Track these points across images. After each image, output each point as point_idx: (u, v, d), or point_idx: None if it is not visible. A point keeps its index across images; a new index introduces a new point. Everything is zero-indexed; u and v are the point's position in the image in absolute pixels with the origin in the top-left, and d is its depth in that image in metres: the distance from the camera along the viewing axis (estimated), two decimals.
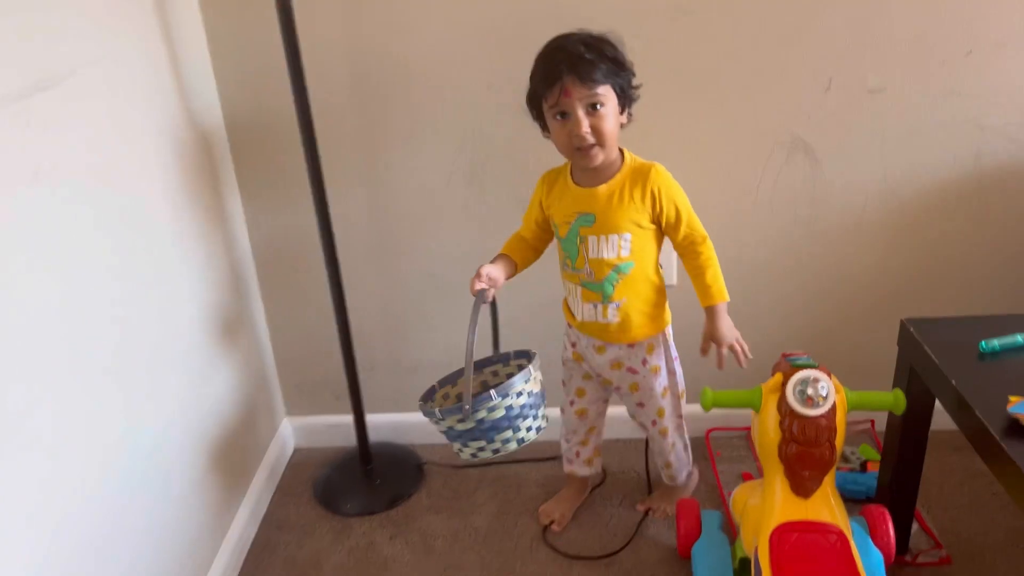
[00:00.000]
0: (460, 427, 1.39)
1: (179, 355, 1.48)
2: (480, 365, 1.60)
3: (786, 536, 1.25)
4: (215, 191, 1.65)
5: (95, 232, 1.22)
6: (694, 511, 1.57)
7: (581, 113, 1.31)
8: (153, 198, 1.41)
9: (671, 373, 1.59)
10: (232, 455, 1.68)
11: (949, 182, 1.67)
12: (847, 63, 1.59)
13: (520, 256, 1.54)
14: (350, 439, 1.95)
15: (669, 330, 1.57)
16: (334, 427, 1.99)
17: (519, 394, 1.39)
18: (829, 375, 1.27)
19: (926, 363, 1.32)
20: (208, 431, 1.58)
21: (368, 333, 1.85)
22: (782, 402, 1.26)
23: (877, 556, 1.39)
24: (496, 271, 1.46)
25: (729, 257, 1.75)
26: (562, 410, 1.69)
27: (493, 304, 1.54)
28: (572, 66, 1.29)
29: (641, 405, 1.61)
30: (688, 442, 1.68)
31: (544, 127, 1.41)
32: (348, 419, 1.94)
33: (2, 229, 1.02)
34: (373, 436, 1.89)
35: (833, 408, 1.24)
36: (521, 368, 1.55)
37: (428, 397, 1.56)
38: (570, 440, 1.70)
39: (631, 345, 1.53)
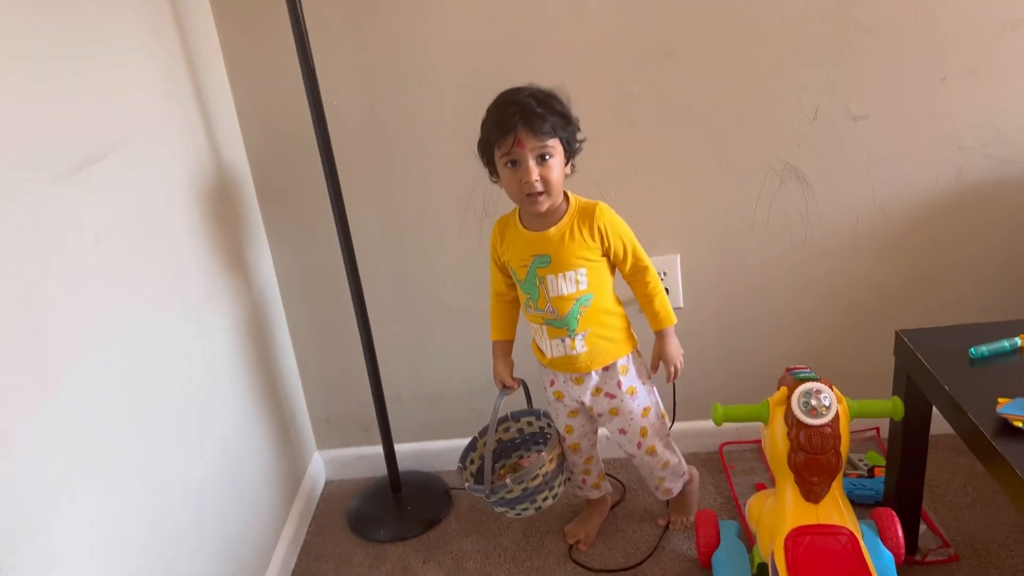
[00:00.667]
0: (511, 496, 1.62)
1: (218, 400, 1.56)
2: (517, 416, 1.84)
3: (800, 540, 1.33)
4: (243, 238, 1.75)
5: (148, 289, 1.33)
6: (712, 522, 1.66)
7: (532, 163, 1.41)
8: (188, 252, 1.51)
9: (649, 392, 1.66)
10: (270, 490, 1.77)
11: (934, 199, 1.77)
12: (831, 93, 1.69)
13: (510, 322, 1.66)
14: (378, 469, 2.04)
15: (637, 353, 1.65)
16: (363, 458, 2.08)
17: (535, 477, 1.61)
18: (831, 386, 1.36)
19: (921, 371, 1.41)
20: (248, 468, 1.66)
21: (392, 366, 1.95)
22: (788, 414, 1.35)
23: (888, 556, 1.47)
24: (507, 367, 1.68)
25: (734, 279, 1.87)
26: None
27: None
28: (525, 118, 1.39)
29: (623, 432, 1.66)
30: (680, 454, 1.74)
31: (493, 172, 1.50)
32: (376, 450, 2.03)
33: (71, 292, 1.12)
34: (401, 465, 1.98)
35: (836, 417, 1.34)
36: (532, 424, 1.84)
37: (471, 447, 1.78)
38: (574, 471, 1.76)
39: (605, 369, 1.60)
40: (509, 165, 1.43)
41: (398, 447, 1.98)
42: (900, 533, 1.53)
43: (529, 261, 1.52)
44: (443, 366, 2.00)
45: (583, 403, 1.64)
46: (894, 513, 1.56)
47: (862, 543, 1.32)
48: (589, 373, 1.59)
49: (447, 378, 2.01)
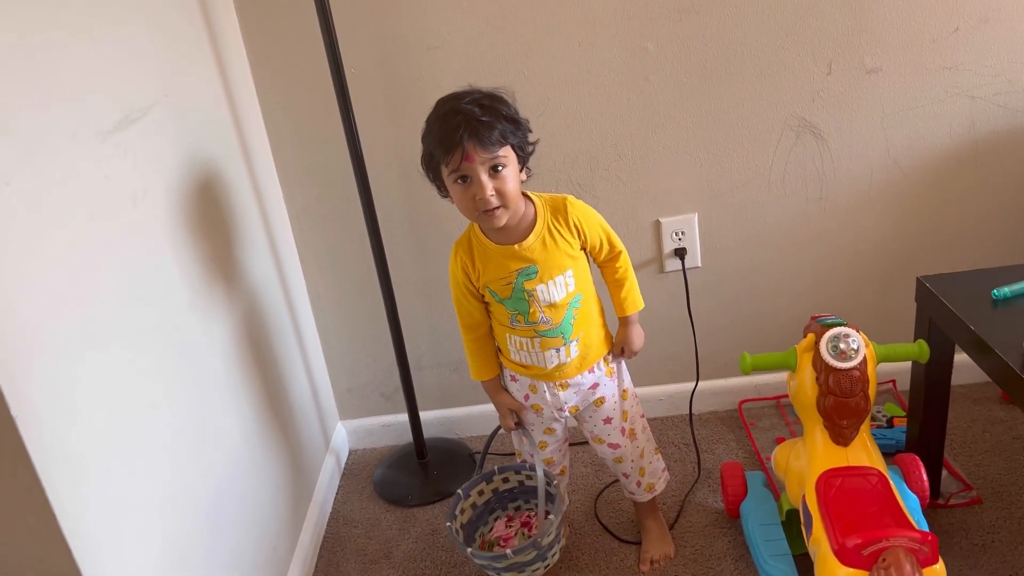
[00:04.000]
0: (497, 565, 1.48)
1: (245, 372, 1.57)
2: (518, 468, 1.67)
3: (831, 482, 1.36)
4: (266, 209, 1.76)
5: (179, 254, 1.34)
6: (739, 472, 1.68)
7: (484, 177, 1.28)
8: (214, 218, 1.52)
9: (624, 372, 1.58)
10: (297, 461, 1.78)
11: (948, 150, 1.79)
12: (845, 48, 1.71)
13: (492, 354, 1.54)
14: (402, 437, 2.07)
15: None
16: (386, 427, 2.10)
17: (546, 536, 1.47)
18: (858, 330, 1.38)
19: (945, 314, 1.44)
20: (276, 439, 1.67)
21: (413, 334, 1.96)
22: (817, 359, 1.38)
23: (914, 499, 1.49)
24: (513, 399, 1.55)
25: (752, 236, 1.89)
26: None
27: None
28: (472, 131, 1.25)
29: (608, 421, 1.56)
30: (656, 445, 1.67)
31: (440, 189, 1.37)
32: (397, 418, 2.06)
33: (116, 249, 1.13)
34: (424, 432, 2.00)
35: (864, 360, 1.36)
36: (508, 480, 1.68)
37: (456, 502, 1.61)
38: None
39: (588, 371, 1.52)
40: (459, 181, 1.30)
41: (421, 414, 1.99)
42: (925, 476, 1.56)
43: (513, 276, 1.40)
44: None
45: (564, 410, 1.53)
46: (918, 458, 1.59)
47: (892, 484, 1.34)
48: (576, 376, 1.50)
49: None
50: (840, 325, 1.39)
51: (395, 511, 1.88)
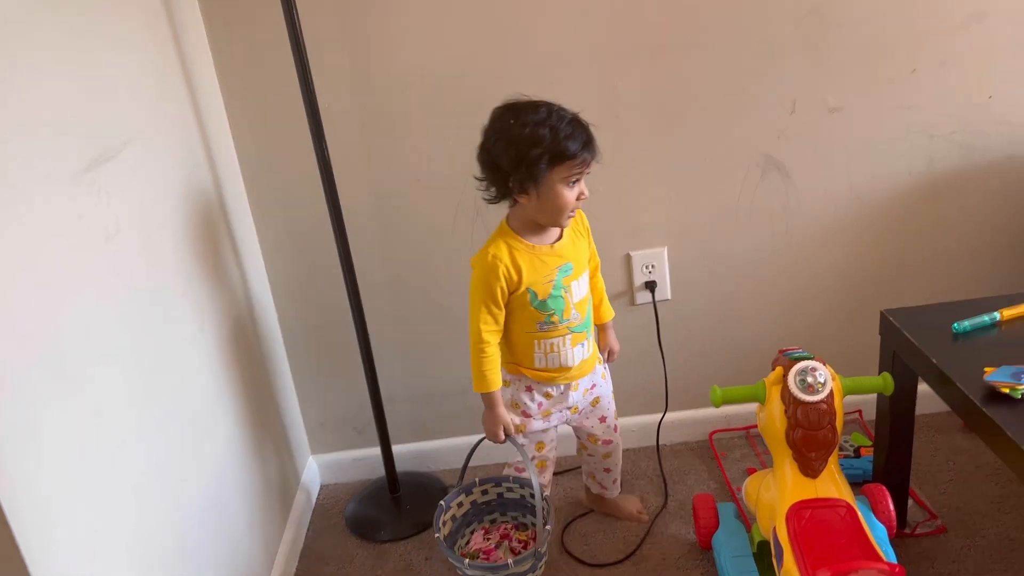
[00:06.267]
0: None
1: (213, 408, 1.55)
2: (499, 480, 1.72)
3: (800, 513, 1.38)
4: (237, 241, 1.76)
5: (151, 290, 1.33)
6: (711, 504, 1.70)
7: (583, 184, 1.46)
8: (187, 255, 1.51)
9: (608, 374, 1.72)
10: (268, 497, 1.76)
11: (908, 187, 1.85)
12: (808, 87, 1.76)
13: (499, 370, 1.57)
14: (373, 471, 2.05)
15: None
16: (358, 461, 2.09)
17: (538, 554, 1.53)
18: (824, 364, 1.41)
19: (907, 347, 1.47)
20: (244, 477, 1.65)
21: (385, 367, 1.96)
22: (785, 392, 1.40)
23: (881, 529, 1.52)
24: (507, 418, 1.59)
25: (720, 269, 1.92)
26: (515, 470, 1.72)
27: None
28: (593, 144, 1.43)
29: (603, 419, 1.70)
30: None
31: (525, 188, 1.43)
32: (370, 452, 2.04)
33: (89, 288, 1.13)
34: (396, 466, 1.99)
35: (831, 393, 1.39)
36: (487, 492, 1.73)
37: (439, 514, 1.63)
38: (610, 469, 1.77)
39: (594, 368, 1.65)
40: (570, 184, 1.43)
41: (395, 448, 1.99)
42: (892, 507, 1.59)
43: (554, 275, 1.51)
44: (436, 365, 2.02)
45: (569, 409, 1.64)
46: (885, 489, 1.61)
47: (860, 515, 1.37)
48: (588, 372, 1.63)
49: (439, 377, 2.03)
50: (807, 358, 1.42)
51: (367, 547, 1.87)
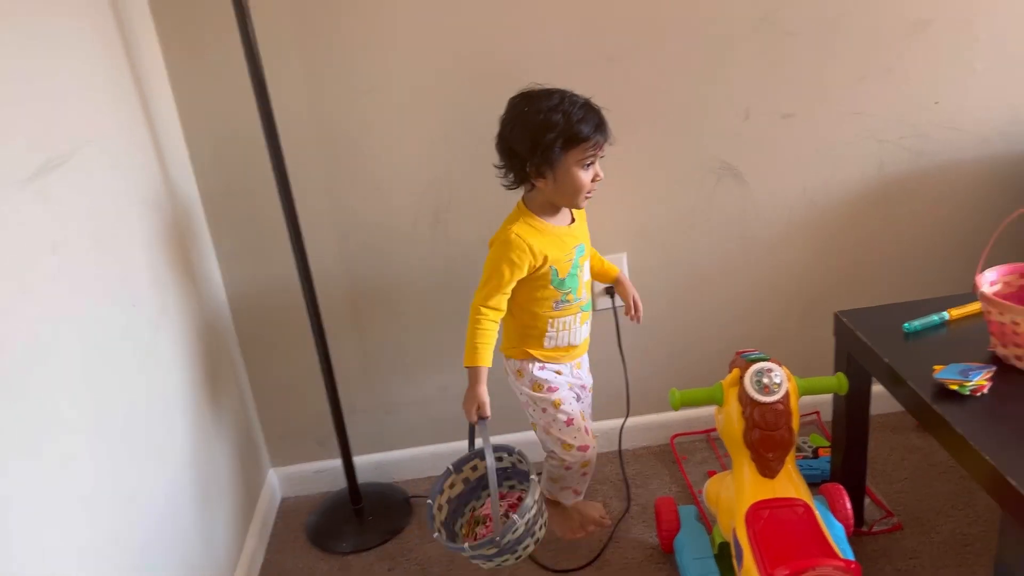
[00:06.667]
0: (488, 552, 1.48)
1: (168, 423, 1.52)
2: (459, 464, 1.67)
3: (759, 514, 1.39)
4: (192, 252, 1.73)
5: (102, 302, 1.31)
6: (672, 507, 1.71)
7: (598, 166, 1.51)
8: (140, 264, 1.49)
9: None
10: (225, 511, 1.73)
11: (860, 191, 1.89)
12: (761, 94, 1.79)
13: (492, 349, 1.58)
14: (335, 483, 2.03)
15: None
16: (319, 473, 2.06)
17: (533, 505, 1.49)
18: (780, 365, 1.43)
19: (861, 348, 1.50)
20: (201, 491, 1.62)
21: (346, 377, 1.94)
22: (742, 393, 1.42)
23: (839, 528, 1.54)
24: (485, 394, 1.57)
25: (680, 274, 1.94)
26: (567, 465, 1.68)
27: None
28: (605, 127, 1.49)
29: (589, 404, 1.81)
30: None
31: (534, 173, 1.48)
32: (333, 464, 2.02)
33: (32, 299, 1.10)
34: (358, 477, 1.97)
35: (787, 394, 1.41)
36: (503, 460, 1.67)
37: (439, 489, 1.62)
38: (589, 473, 1.74)
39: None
40: (585, 166, 1.49)
41: (357, 459, 1.97)
42: (849, 506, 1.61)
43: (573, 254, 1.58)
44: (398, 375, 2.00)
45: (585, 387, 1.76)
46: (842, 488, 1.64)
47: (818, 514, 1.38)
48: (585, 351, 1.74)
49: (401, 387, 2.02)
50: (763, 360, 1.44)
51: (330, 559, 1.84)
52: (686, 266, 1.93)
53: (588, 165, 1.50)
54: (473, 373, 1.57)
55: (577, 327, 1.65)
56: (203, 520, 1.60)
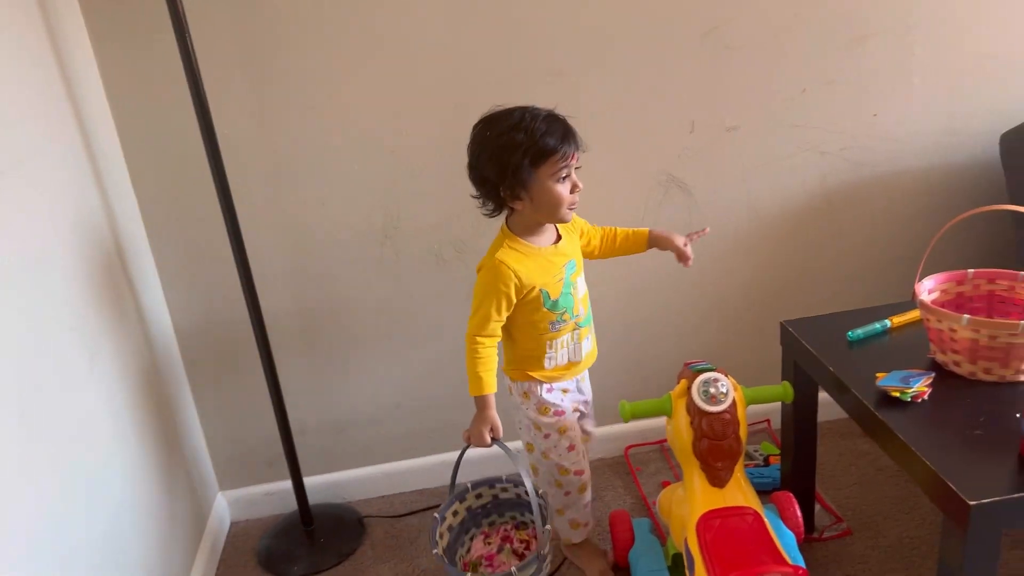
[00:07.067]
0: None
1: (108, 450, 1.48)
2: (492, 482, 1.70)
3: (709, 523, 1.39)
4: (133, 273, 1.69)
5: (38, 330, 1.26)
6: (626, 521, 1.71)
7: (575, 176, 1.46)
8: (76, 289, 1.44)
9: None
10: (172, 538, 1.68)
11: (803, 202, 1.92)
12: (706, 107, 1.82)
13: (495, 374, 1.54)
14: (287, 505, 1.99)
15: None
16: (269, 495, 2.02)
17: (536, 561, 1.47)
18: (726, 375, 1.44)
19: (806, 356, 1.52)
20: (146, 518, 1.58)
21: (296, 397, 1.91)
22: (690, 403, 1.42)
23: (790, 536, 1.56)
24: (493, 422, 1.54)
25: (629, 287, 1.95)
26: (566, 491, 1.66)
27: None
28: (573, 135, 1.44)
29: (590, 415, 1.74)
30: None
31: (515, 195, 1.44)
32: (283, 485, 1.98)
33: None
34: (310, 498, 1.94)
35: (733, 403, 1.42)
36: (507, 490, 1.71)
37: (435, 527, 1.59)
38: (588, 503, 1.70)
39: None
40: (561, 180, 1.44)
41: (308, 480, 1.93)
42: (799, 513, 1.63)
43: (563, 272, 1.53)
44: (349, 394, 1.98)
45: (584, 403, 1.68)
46: (792, 496, 1.65)
47: (767, 521, 1.39)
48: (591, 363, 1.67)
49: (353, 406, 1.99)
50: (710, 370, 1.45)
51: None
52: (635, 279, 1.94)
53: (563, 178, 1.44)
54: (481, 401, 1.53)
55: (576, 344, 1.59)
56: (146, 549, 1.55)
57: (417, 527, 1.93)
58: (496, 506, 1.73)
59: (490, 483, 1.70)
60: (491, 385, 1.53)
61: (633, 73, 1.78)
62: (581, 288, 1.58)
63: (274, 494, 2.02)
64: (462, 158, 1.78)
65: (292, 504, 1.95)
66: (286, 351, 1.87)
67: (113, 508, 1.44)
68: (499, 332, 1.53)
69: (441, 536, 1.60)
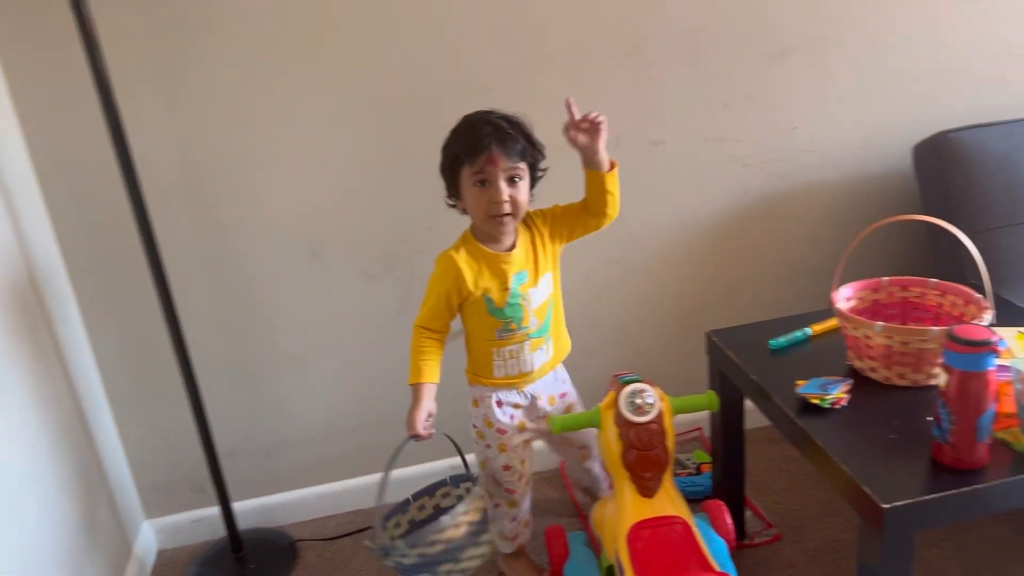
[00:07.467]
0: (406, 562, 1.41)
1: (21, 482, 1.42)
2: (456, 481, 1.65)
3: (639, 534, 1.40)
4: (49, 301, 1.63)
5: None
6: (561, 535, 1.70)
7: (502, 183, 1.41)
8: None
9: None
10: (94, 569, 1.62)
11: (728, 212, 1.96)
12: (631, 122, 1.84)
13: (438, 363, 1.54)
14: (217, 531, 1.94)
15: None
16: (198, 521, 1.97)
17: (432, 543, 1.39)
18: (653, 386, 1.45)
19: (731, 365, 1.55)
20: (64, 551, 1.52)
21: (223, 420, 1.86)
22: (618, 415, 1.43)
23: (721, 543, 1.57)
24: (429, 411, 1.50)
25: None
26: (496, 503, 1.67)
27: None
28: (499, 139, 1.40)
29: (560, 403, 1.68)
30: None
31: (454, 193, 1.49)
32: (211, 511, 1.93)
33: None
34: (241, 523, 1.89)
35: (660, 414, 1.43)
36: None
37: (399, 509, 1.60)
38: (517, 518, 1.69)
39: (557, 368, 1.64)
40: (478, 184, 1.42)
41: (237, 505, 1.89)
42: (729, 521, 1.64)
43: (510, 283, 1.50)
44: (280, 415, 1.94)
45: (541, 419, 1.62)
46: (723, 503, 1.67)
47: (695, 529, 1.41)
48: (551, 374, 1.62)
49: (285, 427, 1.95)
50: (637, 381, 1.46)
51: None
52: (564, 292, 1.94)
53: (481, 182, 1.42)
54: (413, 391, 1.51)
55: (527, 354, 1.55)
56: None
57: (351, 549, 1.90)
58: (439, 514, 1.62)
59: (430, 491, 1.65)
60: (427, 376, 1.50)
61: (558, 88, 1.77)
62: (536, 299, 1.53)
63: (202, 521, 1.96)
64: (390, 173, 1.78)
65: (221, 530, 1.89)
66: (212, 374, 1.82)
67: (27, 543, 1.39)
68: (444, 328, 1.54)
69: (398, 524, 1.59)
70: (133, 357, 1.81)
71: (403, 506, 1.63)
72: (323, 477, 2.01)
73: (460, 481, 1.66)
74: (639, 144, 1.86)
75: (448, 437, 1.54)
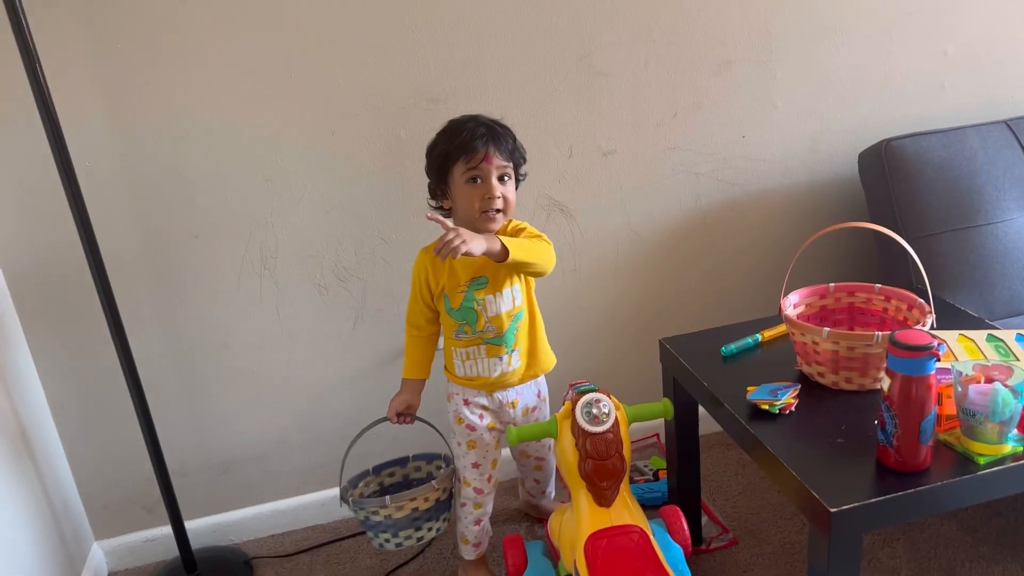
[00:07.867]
0: (374, 519, 1.62)
1: None
2: (429, 458, 1.85)
3: (597, 543, 1.41)
4: None
5: None
6: (519, 544, 1.70)
7: (494, 180, 1.47)
8: None
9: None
10: None
11: (680, 222, 1.98)
12: (583, 133, 1.86)
13: (427, 359, 1.67)
14: (169, 551, 1.90)
15: None
16: (150, 541, 1.92)
17: (427, 499, 1.62)
18: (608, 395, 1.46)
19: (683, 372, 1.57)
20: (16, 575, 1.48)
21: (173, 438, 1.83)
22: (574, 425, 1.44)
23: (677, 550, 1.58)
24: (414, 403, 1.67)
25: None
26: (462, 502, 1.70)
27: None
28: (493, 138, 1.46)
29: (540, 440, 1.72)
30: None
31: (441, 193, 1.53)
32: (164, 531, 1.89)
33: None
34: (194, 542, 1.85)
35: (616, 423, 1.44)
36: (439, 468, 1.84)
37: (357, 482, 1.77)
38: (481, 521, 1.71)
39: (532, 381, 1.67)
40: (471, 181, 1.46)
41: (189, 524, 1.85)
42: (685, 527, 1.66)
43: (466, 285, 1.53)
44: (232, 431, 1.91)
45: (509, 423, 1.66)
46: (679, 509, 1.69)
47: (652, 537, 1.42)
48: (520, 387, 1.65)
49: (236, 443, 1.92)
50: (592, 391, 1.47)
51: None
52: None
53: (475, 179, 1.47)
54: (406, 384, 1.67)
55: (483, 359, 1.59)
56: None
57: (308, 564, 1.87)
58: (405, 484, 1.81)
59: (402, 462, 1.82)
60: (410, 371, 1.65)
61: (510, 99, 1.80)
62: (496, 308, 1.55)
63: (155, 540, 1.92)
64: (340, 184, 1.77)
65: (174, 550, 1.85)
66: (161, 391, 1.79)
67: None
68: (422, 323, 1.62)
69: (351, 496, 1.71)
70: (79, 375, 1.77)
71: (363, 476, 1.78)
72: (279, 493, 1.98)
73: (431, 459, 1.83)
74: (591, 154, 1.88)
75: (425, 421, 1.69)
